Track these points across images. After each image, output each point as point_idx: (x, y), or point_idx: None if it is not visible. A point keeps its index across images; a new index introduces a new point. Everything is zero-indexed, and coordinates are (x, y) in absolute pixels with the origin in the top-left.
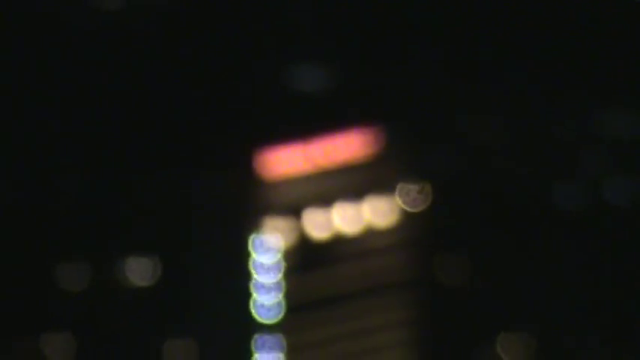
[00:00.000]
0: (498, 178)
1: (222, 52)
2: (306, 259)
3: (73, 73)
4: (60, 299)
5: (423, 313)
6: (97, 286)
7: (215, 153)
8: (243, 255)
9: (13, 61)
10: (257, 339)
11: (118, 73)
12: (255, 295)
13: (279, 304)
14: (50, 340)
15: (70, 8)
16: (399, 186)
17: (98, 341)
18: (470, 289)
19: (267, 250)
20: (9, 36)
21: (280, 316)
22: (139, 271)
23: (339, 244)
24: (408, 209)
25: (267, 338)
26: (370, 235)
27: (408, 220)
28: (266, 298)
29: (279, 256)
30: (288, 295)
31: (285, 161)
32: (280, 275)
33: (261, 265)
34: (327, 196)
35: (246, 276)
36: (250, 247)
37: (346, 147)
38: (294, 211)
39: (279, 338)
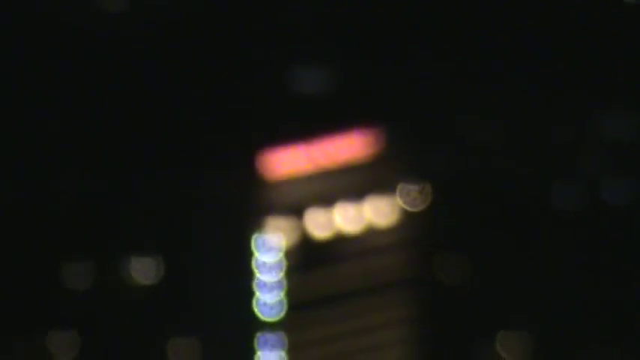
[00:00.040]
0: (498, 179)
1: (224, 54)
2: (307, 258)
3: (77, 75)
4: (64, 298)
5: (423, 312)
6: (101, 285)
7: (218, 153)
8: (246, 254)
9: (18, 62)
10: (259, 337)
11: (122, 74)
12: (257, 293)
13: (281, 302)
14: (55, 339)
15: (72, 9)
16: (399, 186)
17: (102, 340)
18: (469, 288)
19: (270, 249)
20: (11, 37)
21: (282, 314)
22: (143, 271)
23: (340, 243)
24: (409, 209)
25: (270, 336)
26: (371, 234)
27: (408, 219)
28: (268, 297)
29: (281, 255)
30: (290, 294)
31: (287, 161)
32: (282, 274)
33: (264, 263)
34: (328, 196)
35: (249, 275)
36: (253, 246)
37: (347, 147)
38: (295, 210)
39: (281, 336)
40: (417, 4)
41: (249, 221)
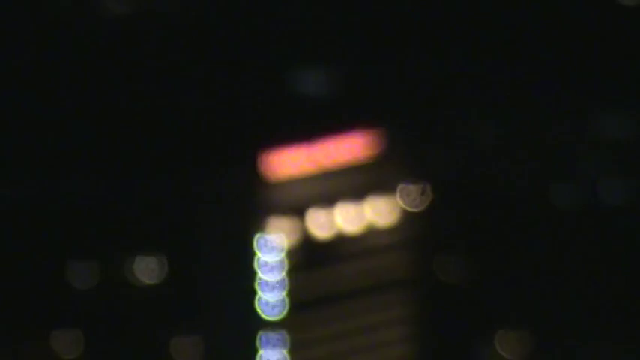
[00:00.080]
0: (497, 179)
1: (227, 56)
2: (309, 257)
3: (83, 77)
4: (69, 297)
5: (423, 311)
6: (106, 284)
7: (221, 155)
8: (248, 254)
9: (24, 64)
10: (261, 336)
11: (127, 76)
12: (259, 292)
13: (282, 301)
14: (60, 337)
15: (77, 13)
16: (399, 187)
17: (107, 338)
18: (469, 287)
19: (272, 249)
20: (17, 39)
21: (284, 313)
22: (147, 270)
23: (341, 243)
24: (409, 209)
25: (272, 335)
26: (371, 234)
27: (408, 219)
28: (270, 296)
29: (283, 254)
30: (292, 293)
31: (289, 163)
32: (284, 273)
33: (266, 263)
34: (329, 197)
35: (251, 274)
36: (255, 246)
37: (349, 149)
38: (297, 211)
39: (283, 335)
40: (417, 7)
41: (252, 221)
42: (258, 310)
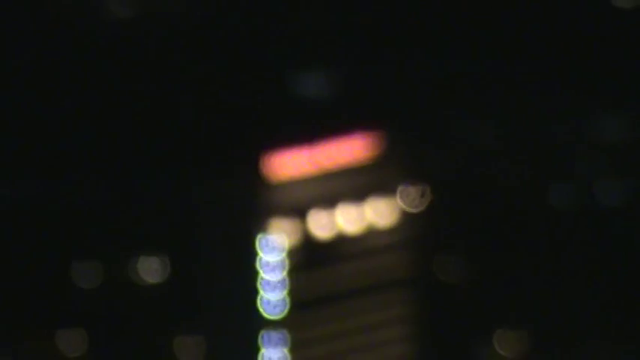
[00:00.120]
0: (495, 180)
1: (229, 59)
2: (310, 257)
3: (87, 80)
4: (73, 296)
5: (422, 311)
6: (109, 283)
7: (223, 156)
8: (250, 254)
9: (29, 67)
10: (263, 335)
11: (130, 78)
12: (261, 292)
13: (284, 300)
14: (65, 336)
15: (81, 16)
16: (399, 188)
17: (110, 337)
18: (468, 287)
19: (273, 249)
20: (21, 41)
21: (285, 312)
22: (150, 270)
23: (341, 243)
24: (408, 210)
25: (273, 334)
26: (372, 234)
27: (408, 220)
28: (272, 295)
29: (285, 254)
30: (293, 293)
31: (291, 164)
32: (285, 273)
33: (268, 263)
34: (330, 198)
35: (253, 274)
36: (257, 246)
37: (349, 150)
38: (299, 211)
39: (285, 334)
40: (417, 8)
41: (254, 222)
42: (260, 310)
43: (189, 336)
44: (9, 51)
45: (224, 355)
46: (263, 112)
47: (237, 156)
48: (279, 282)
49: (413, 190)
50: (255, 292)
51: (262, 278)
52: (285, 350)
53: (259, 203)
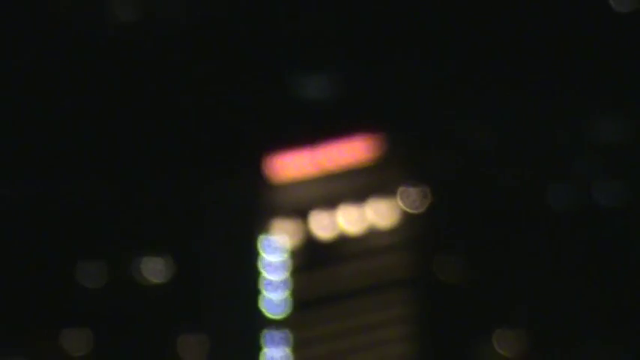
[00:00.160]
0: (495, 181)
1: (232, 62)
2: (312, 258)
3: (93, 82)
4: (80, 296)
5: (423, 310)
6: (113, 283)
7: (226, 158)
8: (253, 254)
9: (33, 69)
10: (265, 334)
11: (134, 81)
12: (263, 292)
13: (286, 300)
14: (69, 335)
15: (85, 18)
16: (400, 189)
17: (115, 336)
18: (467, 286)
19: (275, 249)
20: (25, 44)
21: (287, 312)
22: (154, 270)
23: (343, 243)
24: (409, 211)
25: (275, 333)
26: (373, 235)
27: (408, 221)
28: (274, 295)
29: (287, 255)
30: (295, 293)
31: (293, 165)
32: (287, 273)
33: (270, 263)
34: (332, 199)
35: (256, 274)
36: (259, 247)
37: (351, 152)
38: (301, 212)
39: (287, 333)
40: (418, 12)
41: (256, 223)
42: (263, 310)
43: (193, 335)
44: (12, 52)
45: (227, 354)
46: (265, 114)
47: (239, 157)
48: (281, 282)
49: (413, 191)
50: (258, 292)
51: (265, 278)
52: (288, 349)
53: (262, 204)
